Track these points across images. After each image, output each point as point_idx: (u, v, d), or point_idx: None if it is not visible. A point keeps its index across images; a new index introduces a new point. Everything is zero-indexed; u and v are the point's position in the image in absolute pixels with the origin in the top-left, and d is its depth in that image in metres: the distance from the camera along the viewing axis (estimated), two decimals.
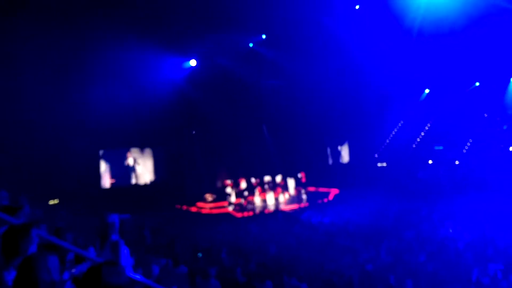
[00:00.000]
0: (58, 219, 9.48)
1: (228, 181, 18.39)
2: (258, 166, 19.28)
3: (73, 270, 3.53)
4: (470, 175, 18.67)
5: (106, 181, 17.60)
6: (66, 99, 14.36)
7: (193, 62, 17.90)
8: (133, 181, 18.32)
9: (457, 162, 20.46)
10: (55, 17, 12.34)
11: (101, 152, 17.54)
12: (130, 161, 18.30)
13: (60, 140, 14.44)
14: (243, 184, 18.52)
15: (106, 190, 17.42)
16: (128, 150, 18.28)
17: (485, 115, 21.38)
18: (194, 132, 19.44)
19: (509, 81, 20.38)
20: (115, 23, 13.33)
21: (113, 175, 17.69)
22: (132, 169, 18.31)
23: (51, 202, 14.16)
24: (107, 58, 14.48)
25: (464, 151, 21.36)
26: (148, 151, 18.73)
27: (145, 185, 18.41)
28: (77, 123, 14.80)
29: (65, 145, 14.60)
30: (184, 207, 17.47)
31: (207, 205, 17.63)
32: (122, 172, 18.07)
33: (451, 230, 11.93)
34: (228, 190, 18.09)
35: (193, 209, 17.44)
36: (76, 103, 14.60)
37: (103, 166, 17.60)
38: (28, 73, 12.99)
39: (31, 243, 3.03)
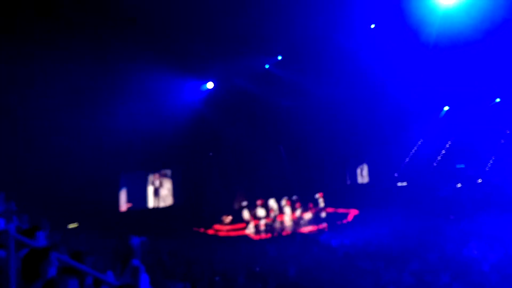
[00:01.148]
0: (77, 243, 9.55)
1: (246, 203, 18.31)
2: (276, 187, 19.20)
3: None
4: (493, 193, 18.17)
5: (124, 205, 17.74)
6: (86, 122, 14.63)
7: (210, 85, 18.16)
8: (153, 204, 18.40)
9: (480, 181, 19.97)
10: (78, 40, 12.69)
11: (120, 175, 17.71)
12: (156, 183, 18.44)
13: (81, 163, 14.65)
14: (261, 206, 18.40)
15: (125, 213, 17.54)
16: (147, 173, 18.44)
17: (508, 131, 20.93)
18: (211, 154, 19.56)
19: None
20: (135, 46, 13.65)
21: (130, 198, 17.79)
22: (155, 192, 18.44)
23: (71, 225, 14.31)
24: (127, 81, 14.80)
25: (487, 168, 20.88)
26: (167, 174, 18.86)
27: (164, 208, 18.49)
28: (97, 146, 15.03)
29: (85, 168, 14.80)
30: (202, 230, 17.43)
31: (224, 227, 17.55)
32: (140, 195, 18.19)
33: (476, 252, 11.56)
34: (246, 212, 18.00)
35: (211, 231, 17.38)
36: (96, 127, 14.87)
37: (122, 189, 17.76)
38: (49, 96, 13.25)
39: (51, 267, 3.05)
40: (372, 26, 17.03)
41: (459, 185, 20.32)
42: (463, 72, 17.81)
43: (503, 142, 20.86)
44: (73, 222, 14.44)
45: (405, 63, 17.61)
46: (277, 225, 17.50)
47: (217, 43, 15.33)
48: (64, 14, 11.81)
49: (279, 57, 18.38)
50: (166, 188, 18.65)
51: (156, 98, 16.21)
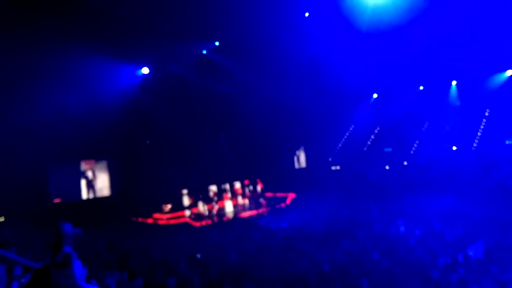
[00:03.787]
0: (2, 236, 8.98)
1: (185, 191, 18.18)
2: (215, 174, 19.25)
3: (22, 280, 3.39)
4: (418, 174, 19.54)
5: (55, 196, 16.80)
6: (11, 107, 13.60)
7: (146, 70, 17.54)
8: (88, 195, 17.61)
9: (405, 163, 21.40)
10: (5, 23, 11.71)
11: (49, 164, 16.69)
12: (89, 174, 17.59)
13: (6, 153, 13.64)
14: (201, 193, 18.39)
15: (57, 205, 16.62)
16: (78, 162, 17.56)
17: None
18: (148, 141, 19.07)
19: (451, 83, 21.69)
20: (65, 29, 12.83)
21: (62, 190, 16.85)
22: (89, 183, 17.61)
23: None
24: (57, 64, 13.85)
25: (412, 152, 22.37)
26: (101, 163, 18.10)
27: (99, 199, 17.76)
28: (23, 136, 14.02)
29: (12, 159, 13.79)
30: (140, 219, 17.06)
31: (164, 216, 17.32)
32: (73, 187, 17.31)
33: (402, 229, 12.46)
34: (185, 199, 17.88)
35: (149, 220, 17.07)
36: (22, 112, 13.86)
37: (53, 181, 16.76)
38: None
39: None
40: (306, 14, 17.44)
41: (387, 167, 21.64)
42: (390, 59, 18.78)
43: (425, 127, 22.47)
44: None
45: (339, 51, 18.26)
46: (217, 211, 17.60)
47: (152, 27, 14.85)
48: None
49: (216, 43, 18.25)
50: (102, 179, 17.93)
51: (89, 84, 15.38)
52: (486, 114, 20.89)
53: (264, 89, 19.56)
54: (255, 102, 19.77)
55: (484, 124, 20.80)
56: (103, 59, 14.72)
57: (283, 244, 12.23)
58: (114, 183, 18.13)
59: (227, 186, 19.26)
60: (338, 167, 23.13)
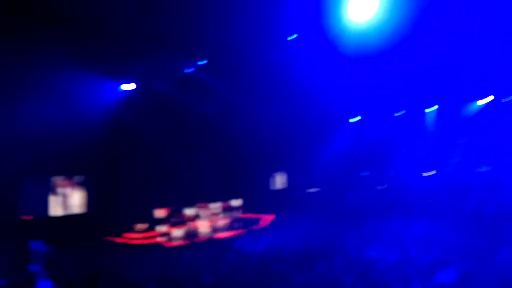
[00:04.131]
0: None
1: (161, 210, 17.87)
2: (193, 193, 19.03)
3: None
4: (396, 198, 19.76)
5: (26, 213, 16.24)
6: None
7: (130, 86, 17.35)
8: (61, 211, 17.06)
9: (382, 187, 21.63)
10: None
11: (21, 179, 16.17)
12: (64, 190, 17.11)
13: None
14: (177, 212, 18.11)
15: (27, 222, 16.07)
16: (52, 178, 17.10)
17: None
18: (128, 159, 18.79)
19: (428, 109, 22.26)
20: (46, 40, 12.67)
21: (33, 205, 16.29)
22: (64, 200, 17.10)
23: None
24: (35, 76, 13.64)
25: (391, 176, 22.65)
26: (78, 179, 17.66)
27: (73, 216, 17.26)
28: None
29: None
30: (113, 239, 16.61)
31: (138, 235, 16.92)
32: (45, 203, 16.80)
33: (377, 253, 12.47)
34: (161, 219, 17.57)
35: (122, 240, 16.63)
36: None
37: (24, 196, 16.23)
38: None
39: None
40: (293, 37, 17.69)
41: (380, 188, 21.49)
42: (370, 84, 19.14)
43: (403, 153, 22.88)
44: None
45: (322, 75, 18.50)
46: (193, 231, 17.33)
47: (139, 42, 14.78)
48: None
49: (204, 62, 18.28)
50: (77, 196, 17.48)
51: (69, 98, 15.17)
52: (462, 141, 21.41)
53: (247, 110, 19.65)
54: (239, 123, 19.82)
55: (460, 151, 21.28)
56: (86, 73, 14.56)
57: (260, 266, 12.07)
58: (90, 200, 17.71)
59: (204, 206, 19.03)
60: (317, 190, 23.22)
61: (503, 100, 19.90)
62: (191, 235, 16.94)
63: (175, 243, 16.00)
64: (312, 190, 23.16)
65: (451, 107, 21.19)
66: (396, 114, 22.77)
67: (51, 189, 16.96)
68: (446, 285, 9.43)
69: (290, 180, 23.95)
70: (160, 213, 17.77)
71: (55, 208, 16.95)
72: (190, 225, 17.63)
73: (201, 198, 18.99)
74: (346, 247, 13.19)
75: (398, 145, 23.20)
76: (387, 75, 18.18)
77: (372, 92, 19.55)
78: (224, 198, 19.59)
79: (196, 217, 18.33)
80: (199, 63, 18.13)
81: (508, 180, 18.07)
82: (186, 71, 18.18)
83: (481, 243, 12.26)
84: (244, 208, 19.64)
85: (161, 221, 17.51)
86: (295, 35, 17.51)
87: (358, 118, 23.91)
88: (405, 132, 22.75)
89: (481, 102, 19.99)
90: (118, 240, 16.53)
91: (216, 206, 19.14)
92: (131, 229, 17.18)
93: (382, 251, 12.75)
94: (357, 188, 21.85)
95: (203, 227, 17.80)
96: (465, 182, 19.05)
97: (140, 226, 17.38)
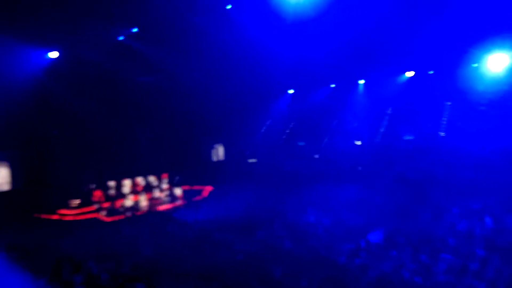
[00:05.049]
0: None
1: (96, 184, 17.28)
2: (129, 166, 18.54)
3: None
4: (328, 167, 20.70)
5: None
6: None
7: (55, 54, 16.11)
8: None
9: (316, 156, 22.57)
10: None
11: None
12: None
13: None
14: (114, 186, 17.63)
15: None
16: None
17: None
18: (56, 132, 17.72)
19: (359, 82, 23.29)
20: None
21: None
22: None
23: None
24: None
25: (325, 146, 23.64)
26: (1, 155, 16.40)
27: None
28: None
29: None
30: (46, 216, 15.84)
31: (72, 211, 16.29)
32: None
33: (312, 218, 13.17)
34: (97, 193, 17.01)
35: (56, 217, 15.93)
36: None
37: None
38: None
39: None
40: (229, 7, 17.41)
41: (316, 156, 22.26)
42: (307, 56, 19.45)
43: (336, 123, 23.92)
44: None
45: (260, 46, 18.44)
46: (131, 205, 17.02)
47: (65, 9, 13.71)
48: None
49: (135, 30, 17.44)
50: (1, 172, 16.28)
51: None
52: (389, 112, 22.80)
53: (184, 80, 19.22)
54: (174, 93, 19.36)
55: (386, 121, 22.67)
56: (7, 40, 13.32)
57: (200, 236, 12.27)
58: (15, 177, 16.59)
59: (142, 179, 18.68)
60: (255, 160, 23.67)
61: (429, 73, 21.38)
62: (129, 208, 16.64)
63: (113, 218, 15.64)
64: (251, 160, 23.57)
65: (379, 79, 22.39)
66: (330, 86, 23.63)
67: None
68: (376, 244, 10.30)
69: (229, 151, 24.14)
70: (95, 187, 17.19)
71: None
72: (128, 198, 17.28)
73: (139, 171, 18.58)
74: (284, 214, 13.77)
75: (331, 116, 24.19)
76: (321, 48, 18.59)
77: (306, 64, 19.97)
78: (163, 170, 19.33)
79: (133, 190, 17.97)
80: (131, 30, 17.31)
81: (429, 147, 19.72)
82: (118, 38, 17.31)
83: (405, 205, 13.38)
84: (184, 180, 19.56)
85: (97, 196, 16.96)
86: (230, 5, 17.30)
87: (292, 90, 24.48)
88: (337, 104, 23.76)
89: (408, 74, 21.31)
90: (51, 217, 15.80)
91: (154, 178, 18.88)
92: (65, 205, 16.46)
93: (317, 216, 13.52)
94: (294, 158, 22.58)
95: (141, 200, 17.54)
96: (391, 150, 20.46)
97: (74, 201, 16.70)
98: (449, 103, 20.87)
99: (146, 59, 18.06)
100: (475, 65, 19.38)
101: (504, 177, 14.40)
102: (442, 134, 20.10)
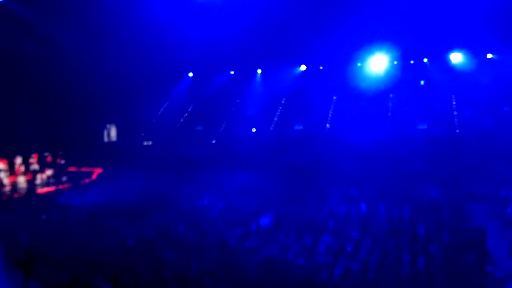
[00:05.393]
0: None
1: None
2: (7, 144, 16.65)
3: None
4: (224, 152, 21.01)
5: None
6: None
7: None
8: None
9: (213, 141, 22.72)
10: None
11: None
12: None
13: None
14: None
15: None
16: None
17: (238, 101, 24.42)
18: None
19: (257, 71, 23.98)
20: None
21: None
22: None
23: None
24: None
25: (221, 131, 23.87)
26: None
27: None
28: None
29: None
30: None
31: None
32: None
33: (206, 202, 13.34)
34: None
35: None
36: None
37: None
38: None
39: None
40: None
41: (213, 141, 22.20)
42: (209, 41, 19.29)
43: (233, 110, 24.32)
44: None
45: (162, 24, 17.65)
46: (7, 186, 15.40)
47: None
48: None
49: None
50: None
51: None
52: (282, 102, 23.92)
53: (75, 54, 17.71)
54: (63, 67, 17.75)
55: (280, 110, 23.74)
56: None
57: (86, 221, 11.65)
58: None
59: (21, 158, 16.93)
60: (150, 143, 22.99)
61: (320, 68, 22.83)
62: (7, 191, 15.03)
63: None
64: (146, 143, 22.79)
65: (276, 70, 23.26)
66: (230, 73, 23.83)
67: None
68: (265, 227, 10.86)
69: (123, 132, 23.02)
70: None
71: None
72: (5, 179, 15.60)
73: (18, 150, 16.82)
74: (178, 199, 13.73)
75: (230, 102, 24.45)
76: (223, 31, 18.58)
77: (209, 47, 19.84)
78: (46, 149, 17.74)
79: (11, 170, 16.25)
80: None
81: (316, 137, 21.14)
82: None
83: (294, 191, 14.27)
84: (71, 160, 18.24)
85: None
86: None
87: (191, 74, 24.20)
88: (236, 90, 24.10)
89: (302, 68, 22.53)
90: None
91: (35, 158, 17.25)
92: None
93: (210, 200, 13.73)
94: (191, 142, 22.38)
95: (20, 182, 15.96)
96: (283, 139, 21.46)
97: None
98: (335, 97, 22.69)
99: (32, 26, 16.27)
100: (359, 64, 21.40)
101: (378, 166, 16.13)
102: (328, 125, 21.73)
